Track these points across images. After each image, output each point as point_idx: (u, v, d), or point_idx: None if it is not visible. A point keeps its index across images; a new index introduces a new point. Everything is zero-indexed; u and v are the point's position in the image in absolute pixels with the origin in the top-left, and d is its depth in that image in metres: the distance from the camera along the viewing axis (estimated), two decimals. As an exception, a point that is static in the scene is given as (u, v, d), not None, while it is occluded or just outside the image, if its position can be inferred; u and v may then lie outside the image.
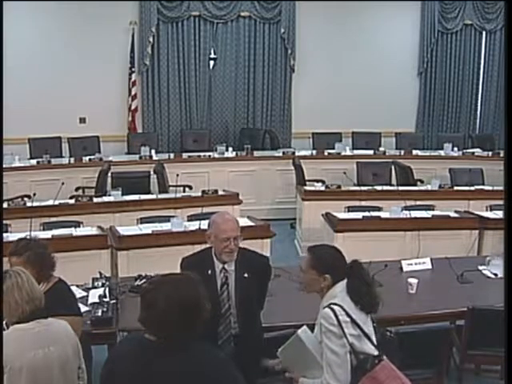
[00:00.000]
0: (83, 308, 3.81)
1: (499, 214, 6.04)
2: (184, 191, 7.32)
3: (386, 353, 2.74)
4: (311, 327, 2.84)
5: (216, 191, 6.84)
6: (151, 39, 9.04)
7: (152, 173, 7.46)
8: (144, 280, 4.40)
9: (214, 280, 3.18)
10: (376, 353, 2.72)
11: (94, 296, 4.04)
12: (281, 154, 8.53)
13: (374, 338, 2.76)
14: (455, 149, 8.85)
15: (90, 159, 7.90)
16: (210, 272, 3.18)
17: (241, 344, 3.21)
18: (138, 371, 2.17)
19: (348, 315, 2.68)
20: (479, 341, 3.90)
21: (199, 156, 8.27)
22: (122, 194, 6.59)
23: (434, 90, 10.19)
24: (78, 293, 4.06)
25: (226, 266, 3.21)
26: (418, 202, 6.71)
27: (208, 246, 3.35)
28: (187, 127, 9.46)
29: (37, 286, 2.59)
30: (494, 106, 10.31)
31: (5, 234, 4.94)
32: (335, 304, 2.69)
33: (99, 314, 3.75)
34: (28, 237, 3.55)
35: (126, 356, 2.23)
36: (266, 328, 3.65)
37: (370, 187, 7.24)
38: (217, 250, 3.20)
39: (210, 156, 8.30)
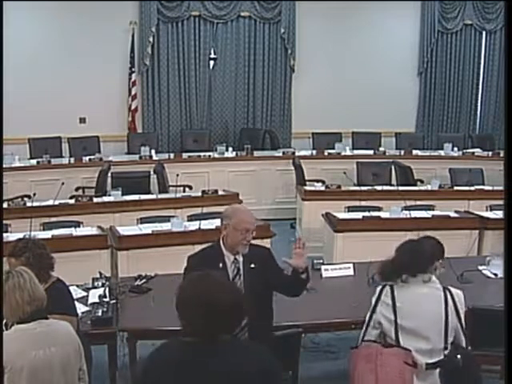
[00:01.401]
0: (83, 308, 3.82)
1: (499, 214, 6.03)
2: (184, 191, 7.31)
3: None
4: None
5: (216, 191, 6.84)
6: (151, 39, 9.04)
7: (152, 173, 7.45)
8: (144, 280, 4.41)
9: (226, 272, 3.22)
10: None
11: (93, 296, 4.04)
12: (281, 154, 8.53)
13: None
14: (455, 149, 8.85)
15: (90, 159, 7.90)
16: (221, 265, 3.22)
17: (254, 333, 3.24)
18: (186, 374, 2.12)
19: None
20: (479, 341, 3.89)
21: (199, 156, 8.26)
22: (122, 194, 6.58)
23: (433, 90, 10.19)
24: (78, 293, 4.06)
25: (236, 257, 3.27)
26: (418, 202, 6.70)
27: (211, 243, 3.38)
28: (187, 127, 9.46)
29: (39, 286, 2.58)
30: (494, 106, 10.31)
31: (5, 234, 4.93)
32: None
33: (99, 313, 3.75)
34: (27, 237, 3.54)
35: (171, 361, 2.17)
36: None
37: (370, 187, 7.23)
38: (233, 241, 3.23)
39: (210, 156, 8.30)
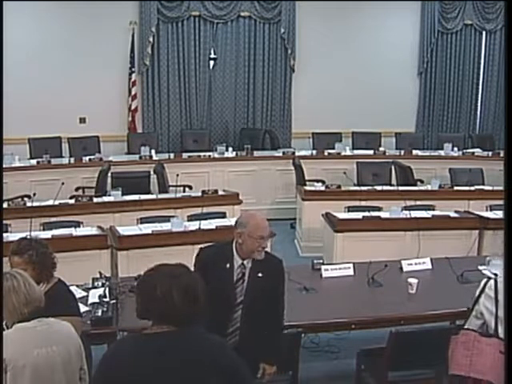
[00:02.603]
0: (83, 308, 3.81)
1: (499, 214, 6.03)
2: (184, 191, 7.31)
3: None
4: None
5: (216, 191, 6.83)
6: (151, 39, 9.04)
7: (152, 173, 7.45)
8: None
9: (232, 273, 3.24)
10: None
11: (93, 296, 4.04)
12: (281, 154, 8.53)
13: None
14: (455, 149, 8.85)
15: (90, 159, 7.90)
16: (228, 265, 3.24)
17: (243, 340, 3.25)
18: (150, 364, 2.17)
19: None
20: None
21: (199, 156, 8.26)
22: (122, 194, 6.58)
23: (433, 90, 10.19)
24: (78, 293, 4.06)
25: (245, 262, 3.27)
26: (418, 202, 6.71)
27: (227, 240, 3.38)
28: (187, 127, 9.46)
29: (35, 286, 2.57)
30: (494, 106, 10.31)
31: (5, 234, 4.94)
32: None
33: (99, 314, 3.75)
34: (29, 237, 3.54)
35: (133, 353, 2.21)
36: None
37: (370, 187, 7.24)
38: (248, 248, 3.23)
39: (209, 156, 8.30)
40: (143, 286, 2.29)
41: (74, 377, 2.57)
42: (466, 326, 3.30)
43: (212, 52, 9.45)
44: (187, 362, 2.19)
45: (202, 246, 3.44)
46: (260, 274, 3.25)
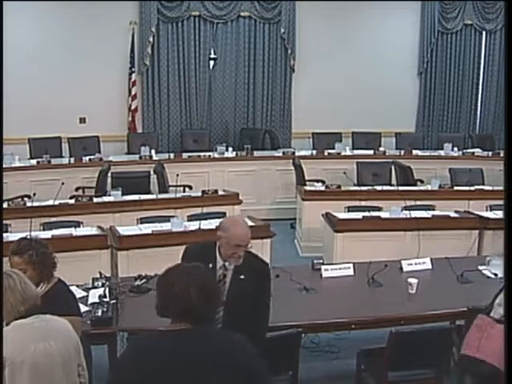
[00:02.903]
0: (83, 308, 3.81)
1: (499, 214, 6.04)
2: (184, 191, 7.31)
3: None
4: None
5: (216, 191, 6.83)
6: (151, 39, 9.04)
7: (152, 173, 7.45)
8: (144, 280, 4.40)
9: (214, 274, 3.23)
10: None
11: (93, 296, 4.04)
12: (281, 154, 8.53)
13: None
14: (455, 149, 8.85)
15: (90, 159, 7.90)
16: (211, 265, 3.24)
17: None
18: (166, 361, 2.19)
19: None
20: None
21: (199, 156, 8.26)
22: (122, 194, 6.58)
23: (433, 90, 10.19)
24: (78, 293, 4.05)
25: (226, 263, 3.28)
26: (418, 202, 6.71)
27: (212, 240, 3.40)
28: (187, 127, 9.46)
29: (31, 285, 2.58)
30: (494, 106, 10.31)
31: (5, 234, 4.94)
32: None
33: (99, 314, 3.75)
34: (29, 237, 3.54)
35: (149, 348, 2.25)
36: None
37: (370, 187, 7.24)
38: (225, 253, 3.26)
39: (209, 156, 8.30)
40: (162, 284, 2.32)
41: (72, 372, 2.57)
42: (491, 315, 3.37)
43: (212, 52, 9.45)
44: (203, 359, 2.21)
45: (188, 245, 3.48)
46: (242, 277, 3.25)
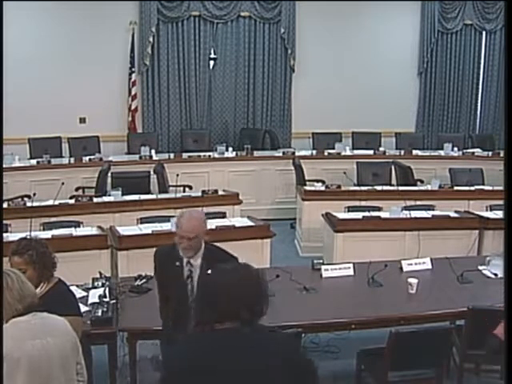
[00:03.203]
0: (83, 308, 3.81)
1: (499, 214, 6.04)
2: (184, 191, 7.31)
3: None
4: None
5: (216, 191, 6.84)
6: (151, 39, 9.03)
7: (152, 173, 7.45)
8: (144, 280, 4.40)
9: (182, 272, 3.30)
10: None
11: (94, 296, 4.05)
12: (281, 154, 8.53)
13: None
14: (455, 149, 8.85)
15: (89, 159, 7.90)
16: (177, 264, 3.29)
17: None
18: (223, 360, 2.18)
19: None
20: (479, 341, 3.90)
21: (199, 156, 8.26)
22: (122, 194, 6.58)
23: (434, 90, 10.19)
24: (78, 293, 4.06)
25: (191, 260, 3.32)
26: (418, 202, 6.71)
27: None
28: (187, 127, 9.46)
29: (28, 283, 2.58)
30: (494, 106, 10.31)
31: (5, 234, 4.94)
32: None
33: (99, 314, 3.75)
34: (29, 237, 3.54)
35: (205, 347, 2.23)
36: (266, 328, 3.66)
37: (370, 187, 7.23)
38: (178, 245, 3.31)
39: (210, 156, 8.30)
40: (211, 286, 2.31)
41: (70, 369, 2.57)
42: None
43: (212, 52, 9.45)
44: (258, 357, 2.20)
45: (158, 247, 3.52)
46: (209, 271, 3.25)
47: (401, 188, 7.26)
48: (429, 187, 7.34)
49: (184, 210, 3.42)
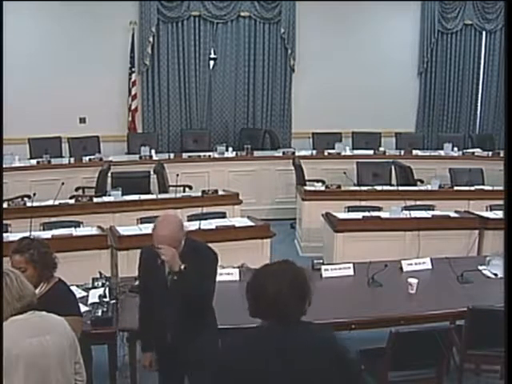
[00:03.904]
0: (83, 308, 3.81)
1: (499, 214, 6.04)
2: (184, 191, 7.32)
3: None
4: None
5: (216, 191, 6.83)
6: (151, 39, 9.04)
7: (152, 173, 7.46)
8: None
9: (163, 269, 3.28)
10: None
11: (94, 296, 4.05)
12: (281, 154, 8.53)
13: None
14: (455, 149, 8.86)
15: (90, 159, 7.90)
16: (159, 261, 3.27)
17: (178, 332, 3.28)
18: (271, 359, 2.21)
19: None
20: (479, 341, 3.90)
21: (199, 156, 8.26)
22: (122, 194, 6.58)
23: (434, 90, 10.19)
24: (78, 293, 4.06)
25: None
26: (418, 202, 6.71)
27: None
28: (187, 127, 9.46)
29: (27, 283, 2.59)
30: (494, 106, 10.31)
31: (5, 234, 4.94)
32: None
33: (99, 314, 3.75)
34: (31, 236, 3.54)
35: (252, 346, 2.26)
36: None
37: (370, 187, 7.23)
38: None
39: (210, 156, 8.30)
40: (253, 286, 2.32)
41: (67, 367, 2.57)
42: None
43: (212, 52, 9.45)
44: (304, 355, 2.23)
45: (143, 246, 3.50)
46: (182, 266, 3.22)
47: (401, 188, 7.26)
48: (429, 187, 7.34)
49: (159, 217, 3.33)
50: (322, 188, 7.26)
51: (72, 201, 6.50)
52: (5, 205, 6.04)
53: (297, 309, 2.28)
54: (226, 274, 4.52)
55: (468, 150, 9.12)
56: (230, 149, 8.56)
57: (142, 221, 5.76)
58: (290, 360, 2.21)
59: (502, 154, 8.09)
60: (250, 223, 5.88)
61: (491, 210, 6.41)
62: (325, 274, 4.65)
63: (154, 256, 3.24)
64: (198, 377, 3.32)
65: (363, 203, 6.70)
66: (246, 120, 9.66)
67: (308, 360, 2.23)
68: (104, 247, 5.29)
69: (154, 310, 3.33)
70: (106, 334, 3.70)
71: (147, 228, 5.50)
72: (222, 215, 6.03)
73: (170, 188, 7.24)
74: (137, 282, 4.35)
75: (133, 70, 9.01)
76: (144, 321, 3.42)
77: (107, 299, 3.92)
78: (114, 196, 6.58)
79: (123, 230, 5.49)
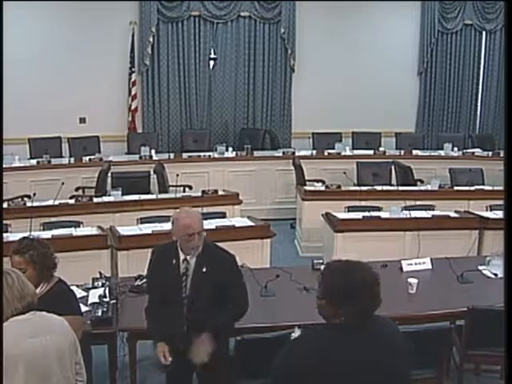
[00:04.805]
0: (83, 308, 3.81)
1: (499, 214, 6.04)
2: (184, 191, 7.32)
3: None
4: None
5: (216, 191, 6.84)
6: (151, 39, 9.04)
7: (152, 173, 7.46)
8: (144, 280, 4.40)
9: (178, 269, 3.32)
10: None
11: (94, 296, 4.05)
12: (281, 154, 8.53)
13: None
14: (455, 149, 8.86)
15: (89, 159, 7.90)
16: (174, 261, 3.32)
17: (195, 330, 3.28)
18: (347, 355, 2.25)
19: None
20: (479, 341, 3.90)
21: (199, 156, 8.27)
22: (122, 194, 6.58)
23: (434, 90, 10.19)
24: (78, 293, 4.05)
25: (188, 257, 3.34)
26: (418, 202, 6.70)
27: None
28: (187, 127, 9.46)
29: (27, 283, 2.59)
30: (494, 106, 10.31)
31: (5, 234, 4.93)
32: None
33: (99, 314, 3.75)
34: (31, 237, 3.54)
35: (325, 344, 2.29)
36: (267, 328, 3.66)
37: (370, 187, 7.24)
38: (182, 245, 3.33)
39: (209, 156, 8.30)
40: (326, 286, 2.34)
41: (67, 367, 2.57)
42: None
43: (212, 52, 9.45)
44: (378, 352, 2.32)
45: (156, 244, 3.55)
46: (204, 269, 3.29)
47: (401, 188, 7.26)
48: (429, 187, 7.34)
49: (178, 211, 3.42)
50: (322, 188, 7.27)
51: (72, 201, 6.50)
52: (5, 205, 6.04)
53: (368, 307, 2.39)
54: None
55: (468, 150, 9.12)
56: (230, 149, 8.56)
57: (142, 221, 5.77)
58: (364, 356, 2.26)
59: (502, 154, 8.09)
60: (250, 223, 5.88)
61: (491, 210, 6.40)
62: (325, 274, 4.64)
63: (170, 255, 3.27)
64: (207, 376, 3.34)
65: (363, 203, 6.71)
66: (246, 120, 9.66)
67: (391, 353, 2.34)
68: (104, 247, 5.29)
69: (162, 310, 3.34)
70: (105, 334, 3.70)
71: (147, 228, 5.54)
72: (222, 215, 6.03)
73: (170, 188, 7.24)
74: (139, 282, 4.36)
75: (133, 70, 9.01)
76: (153, 317, 3.42)
77: (107, 299, 3.91)
78: (114, 196, 6.58)
79: (123, 230, 5.49)
